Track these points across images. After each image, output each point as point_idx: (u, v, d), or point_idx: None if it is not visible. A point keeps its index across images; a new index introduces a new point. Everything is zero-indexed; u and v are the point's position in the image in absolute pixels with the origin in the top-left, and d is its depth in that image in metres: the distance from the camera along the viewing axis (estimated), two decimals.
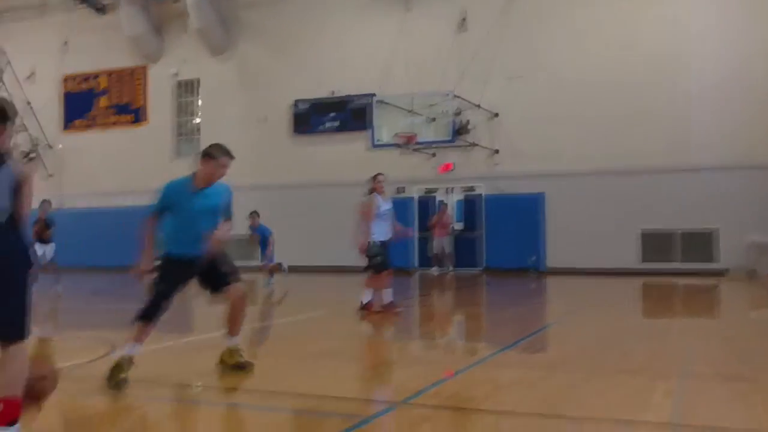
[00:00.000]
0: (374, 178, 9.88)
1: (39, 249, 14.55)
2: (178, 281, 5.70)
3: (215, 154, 5.90)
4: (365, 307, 9.72)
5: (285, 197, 23.40)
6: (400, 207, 21.59)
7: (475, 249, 21.24)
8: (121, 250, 23.74)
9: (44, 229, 14.89)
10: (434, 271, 20.38)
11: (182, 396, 5.49)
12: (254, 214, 15.50)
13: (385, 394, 5.38)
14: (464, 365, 6.63)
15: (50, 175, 27.33)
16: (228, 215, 6.02)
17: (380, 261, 9.58)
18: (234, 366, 5.87)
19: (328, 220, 22.61)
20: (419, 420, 4.57)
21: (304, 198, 23.14)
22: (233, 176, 22.54)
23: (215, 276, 5.83)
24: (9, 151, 3.91)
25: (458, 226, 21.44)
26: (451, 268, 20.61)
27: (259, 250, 16.11)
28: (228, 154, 6.01)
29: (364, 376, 6.00)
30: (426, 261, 21.27)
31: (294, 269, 22.51)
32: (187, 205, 5.70)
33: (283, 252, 23.25)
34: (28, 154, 27.33)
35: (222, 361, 5.93)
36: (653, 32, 19.76)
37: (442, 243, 20.63)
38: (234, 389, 5.47)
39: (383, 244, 9.69)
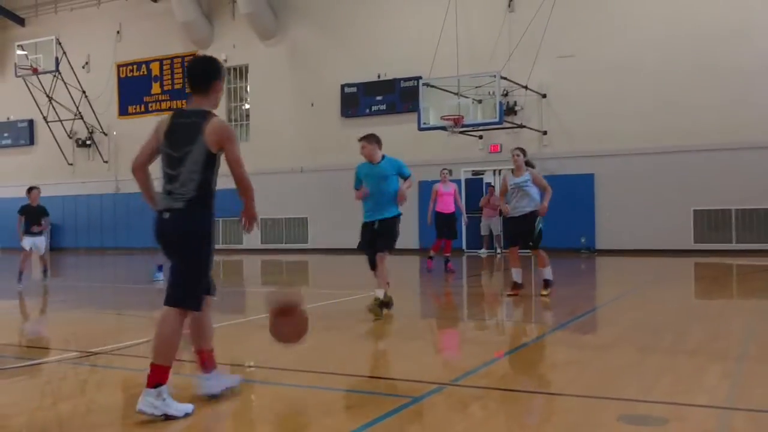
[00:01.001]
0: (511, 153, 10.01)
1: (27, 242, 12.99)
2: (368, 239, 8.14)
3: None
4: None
5: (334, 180, 23.52)
6: None
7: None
8: None
9: (36, 220, 13.11)
10: (482, 253, 20.31)
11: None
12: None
13: (435, 375, 5.41)
14: (514, 346, 6.61)
15: (106, 162, 28.03)
16: (405, 176, 8.23)
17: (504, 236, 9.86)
18: (378, 305, 7.92)
19: None
20: (469, 400, 4.58)
21: (353, 180, 23.23)
22: (284, 160, 23.04)
23: (375, 241, 8.07)
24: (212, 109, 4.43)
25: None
26: (499, 250, 20.50)
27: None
28: (362, 138, 8.27)
29: (414, 357, 6.04)
30: (474, 243, 21.21)
31: (344, 251, 22.68)
32: (369, 177, 8.18)
33: (333, 234, 23.48)
34: (84, 141, 28.07)
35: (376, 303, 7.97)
36: (708, 6, 19.18)
37: (489, 225, 20.54)
38: (285, 369, 5.56)
39: (511, 219, 9.74)
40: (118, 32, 27.62)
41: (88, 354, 6.24)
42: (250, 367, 5.79)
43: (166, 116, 4.37)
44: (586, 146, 20.27)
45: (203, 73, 4.42)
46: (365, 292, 11.13)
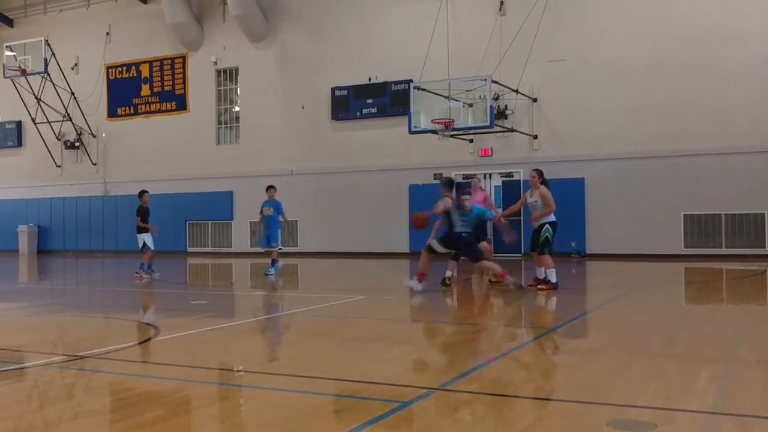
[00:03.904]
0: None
1: (147, 238, 14.82)
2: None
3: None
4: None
5: (325, 183, 23.52)
6: (437, 193, 21.54)
7: (515, 234, 21.09)
8: (163, 235, 24.30)
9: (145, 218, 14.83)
10: None
11: (223, 379, 5.58)
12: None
13: (424, 379, 5.40)
14: (504, 350, 6.61)
15: (94, 164, 27.90)
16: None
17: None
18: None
19: (367, 205, 22.70)
20: (458, 405, 4.57)
21: (344, 183, 23.22)
22: (274, 163, 23.08)
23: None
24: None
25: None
26: None
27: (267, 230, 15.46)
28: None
29: (403, 361, 6.03)
30: None
31: (333, 254, 22.62)
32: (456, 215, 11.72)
33: (323, 238, 23.44)
34: (73, 143, 27.92)
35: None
36: (698, 10, 19.29)
37: None
38: (273, 373, 5.54)
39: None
40: (107, 34, 27.51)
41: (75, 358, 6.20)
42: (238, 371, 5.76)
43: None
44: (576, 150, 20.34)
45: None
46: (354, 296, 11.14)
